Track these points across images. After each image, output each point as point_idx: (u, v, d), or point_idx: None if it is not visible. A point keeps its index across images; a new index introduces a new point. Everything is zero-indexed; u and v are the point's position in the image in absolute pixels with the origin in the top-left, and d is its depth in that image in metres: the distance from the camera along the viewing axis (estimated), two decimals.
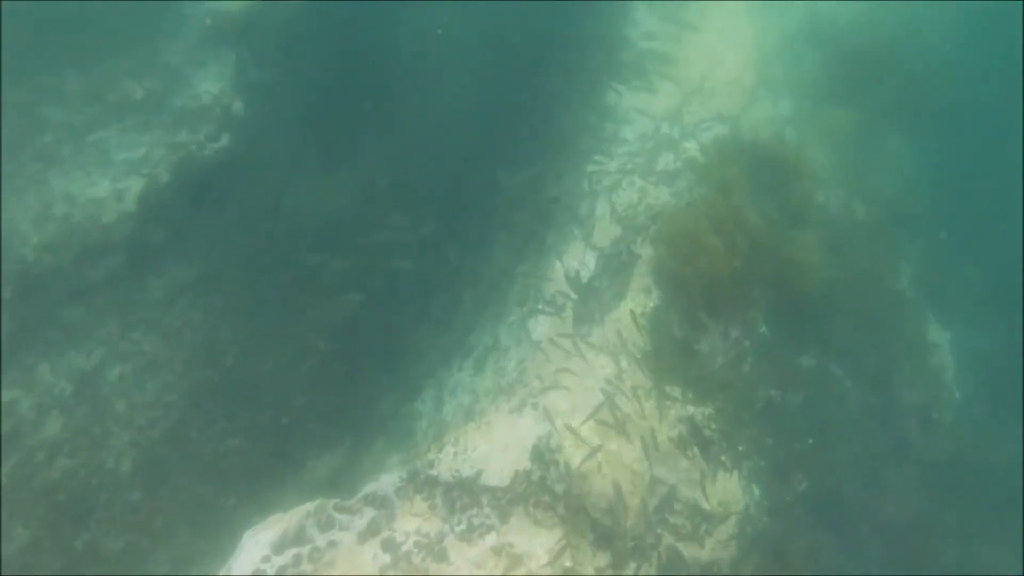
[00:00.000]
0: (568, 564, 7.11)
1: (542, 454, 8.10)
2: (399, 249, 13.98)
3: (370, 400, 12.88)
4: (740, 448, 9.53)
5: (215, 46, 13.69)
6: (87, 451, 11.40)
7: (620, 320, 9.67)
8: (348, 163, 14.87)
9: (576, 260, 10.36)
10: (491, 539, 7.21)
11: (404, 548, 7.05)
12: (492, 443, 8.30)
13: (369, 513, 7.37)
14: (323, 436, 12.56)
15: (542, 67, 14.24)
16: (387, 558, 6.95)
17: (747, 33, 14.05)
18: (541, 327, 9.57)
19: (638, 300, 9.90)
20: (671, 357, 9.58)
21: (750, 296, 10.87)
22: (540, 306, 9.76)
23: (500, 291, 12.72)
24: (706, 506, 8.59)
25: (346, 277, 13.32)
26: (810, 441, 11.21)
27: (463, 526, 7.33)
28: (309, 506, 7.44)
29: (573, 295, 9.78)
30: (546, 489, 7.77)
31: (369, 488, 7.78)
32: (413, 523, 7.31)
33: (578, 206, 11.40)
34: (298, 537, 7.11)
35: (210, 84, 12.88)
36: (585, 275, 10.08)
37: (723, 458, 9.03)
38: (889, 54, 16.86)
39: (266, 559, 6.91)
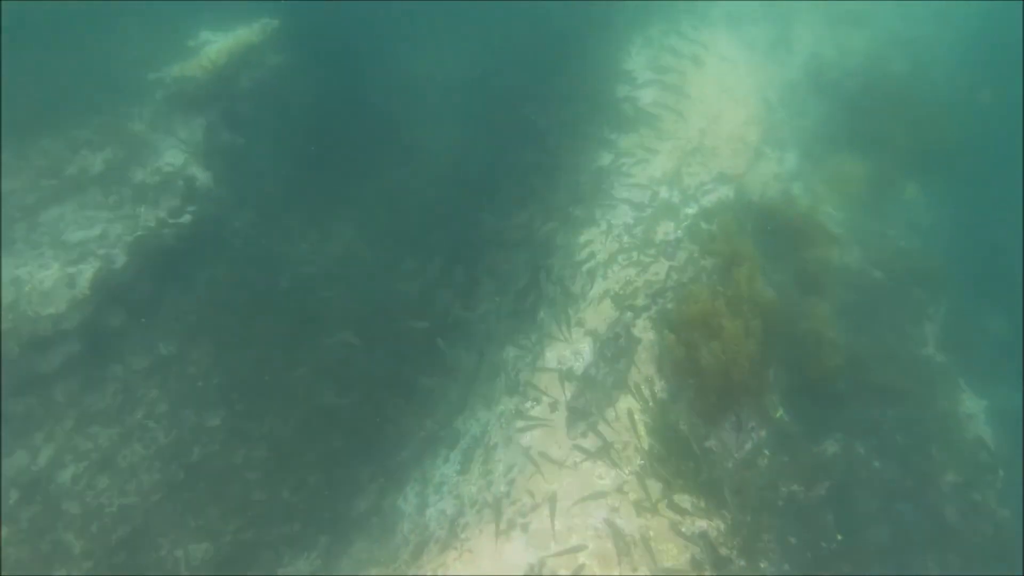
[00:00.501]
0: None
1: None
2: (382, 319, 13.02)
3: (350, 492, 11.76)
4: (763, 564, 8.34)
5: (184, 110, 12.91)
6: (34, 565, 10.28)
7: (620, 419, 8.57)
8: (322, 230, 13.98)
9: (569, 347, 9.30)
10: None
11: None
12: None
13: None
14: (298, 536, 11.41)
15: (530, 128, 13.43)
16: None
17: (747, 84, 13.19)
18: (531, 435, 8.46)
19: (640, 393, 8.81)
20: (678, 460, 8.46)
21: (765, 379, 9.78)
22: (529, 404, 8.68)
23: (491, 366, 11.67)
24: None
25: (320, 363, 12.31)
26: (839, 537, 10.01)
27: None
28: None
29: (566, 394, 8.69)
30: None
31: None
32: None
33: (570, 281, 10.39)
34: None
35: (174, 154, 12.05)
36: (579, 366, 9.01)
37: None
38: (896, 95, 16.00)
39: None
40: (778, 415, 10.04)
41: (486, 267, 12.36)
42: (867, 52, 16.50)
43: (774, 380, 10.04)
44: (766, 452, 9.42)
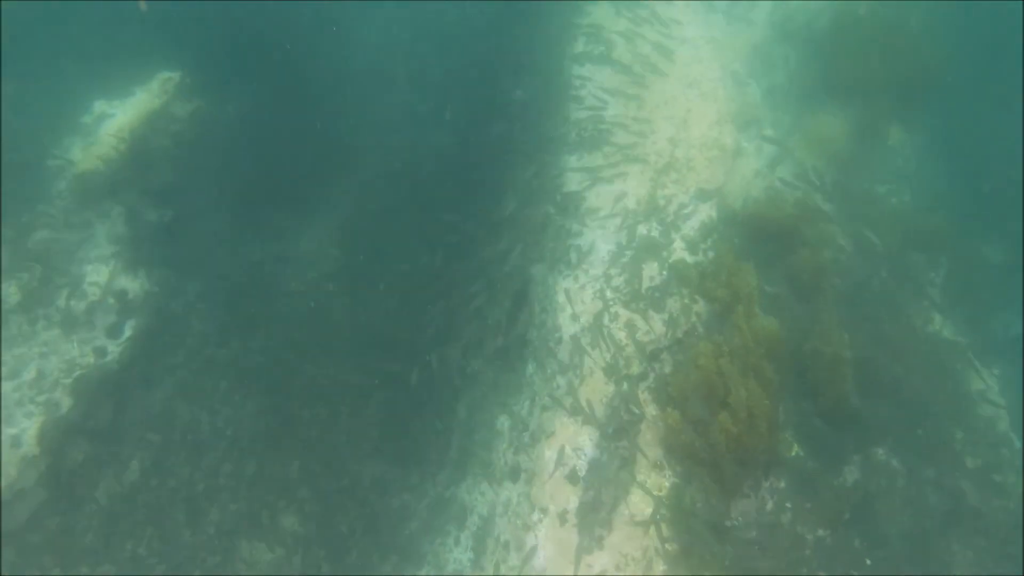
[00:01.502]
0: None
1: None
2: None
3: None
4: None
5: (95, 200, 11.52)
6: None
7: (633, 515, 8.02)
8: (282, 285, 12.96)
9: (567, 439, 8.61)
10: None
11: None
12: None
13: None
14: None
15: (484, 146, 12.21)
16: None
17: (712, 67, 11.86)
18: (542, 555, 7.90)
19: (651, 481, 8.22)
20: (701, 548, 7.99)
21: (777, 423, 9.20)
22: (536, 517, 8.09)
23: (484, 429, 11.06)
24: None
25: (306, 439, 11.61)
26: (868, 563, 9.79)
27: None
28: None
29: (574, 500, 8.09)
30: None
31: None
32: None
33: (556, 347, 9.57)
34: None
35: (99, 258, 10.79)
36: (582, 464, 8.36)
37: None
38: (867, 22, 14.67)
39: None
40: (793, 453, 9.54)
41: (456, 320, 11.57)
42: None
43: (785, 417, 9.49)
44: (788, 505, 8.98)
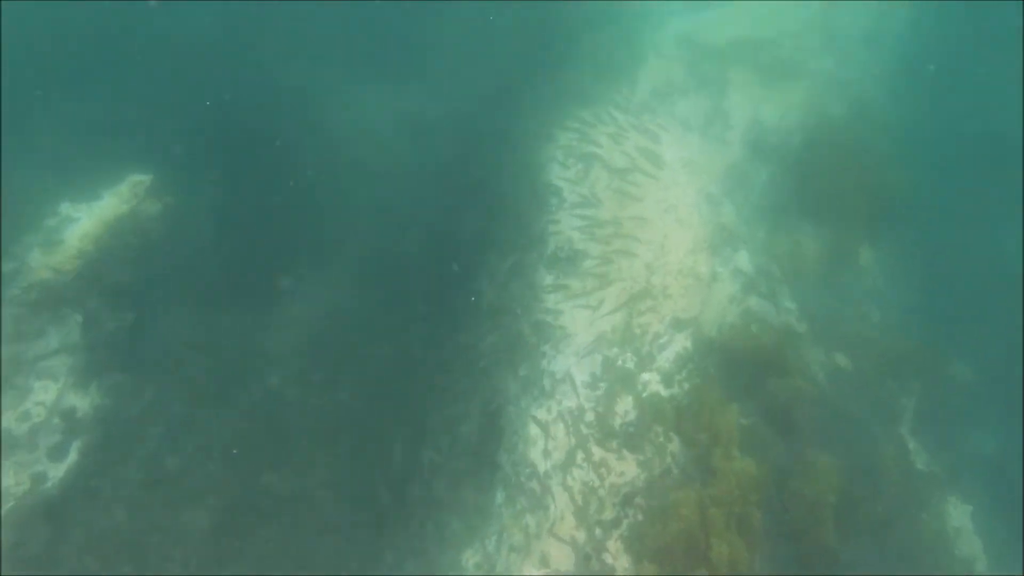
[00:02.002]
0: None
1: None
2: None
3: None
4: None
5: (52, 307, 11.04)
6: None
7: None
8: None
9: None
10: None
11: None
12: None
13: None
14: None
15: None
16: None
17: (688, 191, 12.02)
18: None
19: None
20: None
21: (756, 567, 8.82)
22: None
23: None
24: None
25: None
26: None
27: None
28: None
29: None
30: None
31: None
32: None
33: (526, 482, 9.16)
34: None
35: (45, 381, 10.24)
36: None
37: None
38: (837, 143, 15.11)
39: None
40: None
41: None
42: (805, 103, 15.50)
43: (763, 564, 9.12)
44: None
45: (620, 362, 9.83)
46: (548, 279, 10.89)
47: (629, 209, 11.42)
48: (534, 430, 9.37)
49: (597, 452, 8.99)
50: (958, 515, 11.46)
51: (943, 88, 17.93)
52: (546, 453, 9.17)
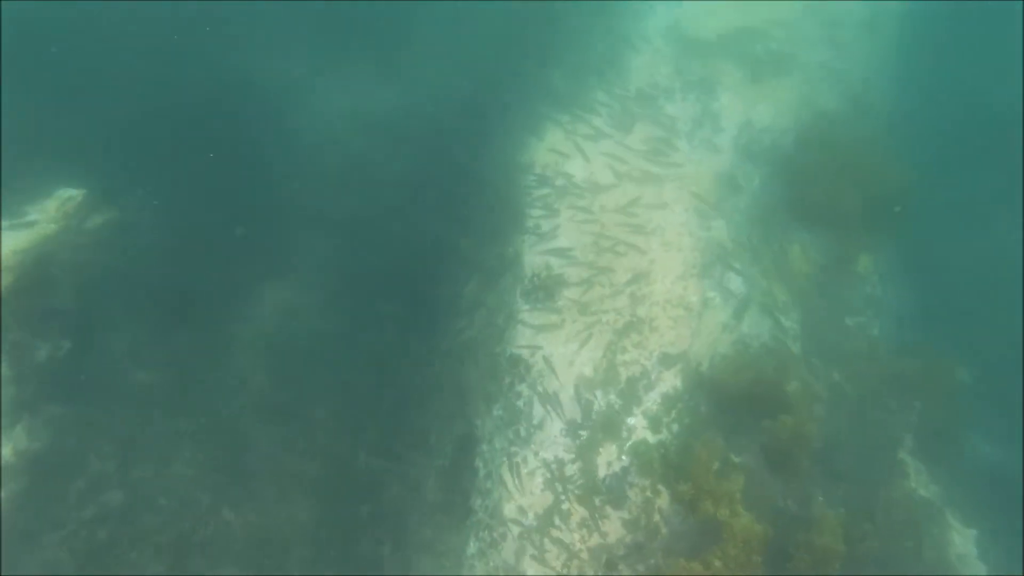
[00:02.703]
0: None
1: None
2: None
3: None
4: None
5: None
6: None
7: None
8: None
9: None
10: None
11: None
12: None
13: None
14: None
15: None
16: None
17: (677, 210, 11.16)
18: None
19: None
20: None
21: None
22: None
23: None
24: None
25: None
26: None
27: None
28: None
29: None
30: None
31: None
32: None
33: (500, 542, 8.47)
34: None
35: None
36: None
37: None
38: (831, 141, 14.13)
39: None
40: None
41: None
42: (799, 99, 14.55)
43: None
44: None
45: (603, 405, 9.08)
46: (524, 309, 10.07)
47: (610, 233, 10.57)
48: (510, 481, 8.65)
49: (577, 511, 8.29)
50: (960, 545, 10.92)
51: (943, 77, 17.05)
52: (522, 511, 8.46)
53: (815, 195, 13.51)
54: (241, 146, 13.34)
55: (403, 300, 11.76)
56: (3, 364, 10.16)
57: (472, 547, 9.09)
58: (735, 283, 11.15)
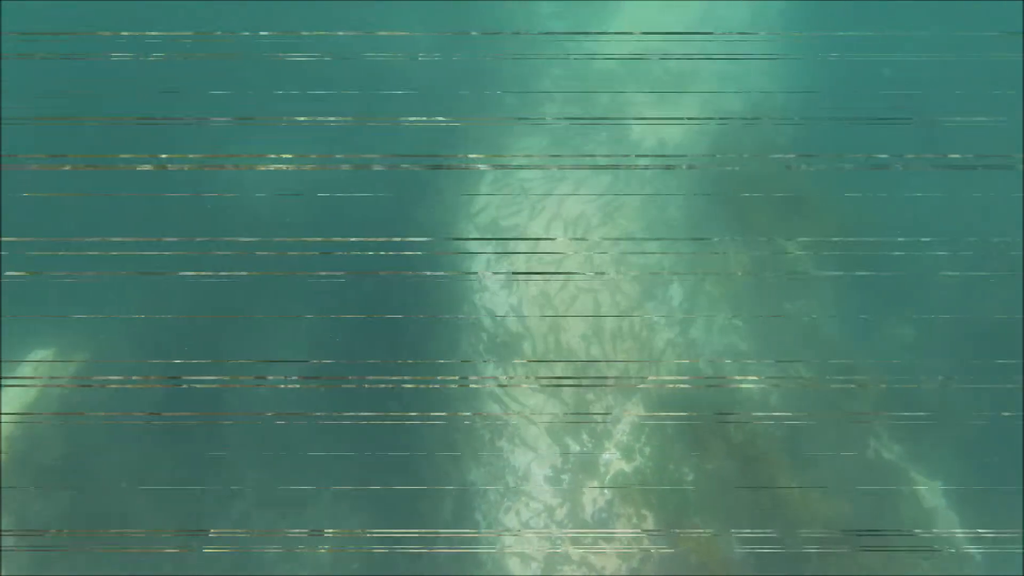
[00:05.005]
0: None
1: None
2: None
3: None
4: None
5: None
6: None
7: None
8: None
9: None
10: None
11: None
12: None
13: None
14: None
15: None
16: None
17: (607, 238, 11.90)
18: None
19: None
20: None
21: None
22: None
23: None
24: None
25: None
26: None
27: None
28: None
29: None
30: None
31: None
32: None
33: None
34: None
35: None
36: None
37: None
38: (744, 144, 15.20)
39: None
40: None
41: None
42: (705, 109, 15.53)
43: None
44: None
45: (577, 447, 9.70)
46: (489, 366, 10.66)
47: (554, 283, 11.26)
48: (508, 539, 9.18)
49: (575, 553, 8.86)
50: (931, 498, 11.75)
51: (832, 69, 18.17)
52: (524, 560, 9.00)
53: (735, 197, 14.46)
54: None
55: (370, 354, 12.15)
56: None
57: None
58: (676, 298, 11.90)
